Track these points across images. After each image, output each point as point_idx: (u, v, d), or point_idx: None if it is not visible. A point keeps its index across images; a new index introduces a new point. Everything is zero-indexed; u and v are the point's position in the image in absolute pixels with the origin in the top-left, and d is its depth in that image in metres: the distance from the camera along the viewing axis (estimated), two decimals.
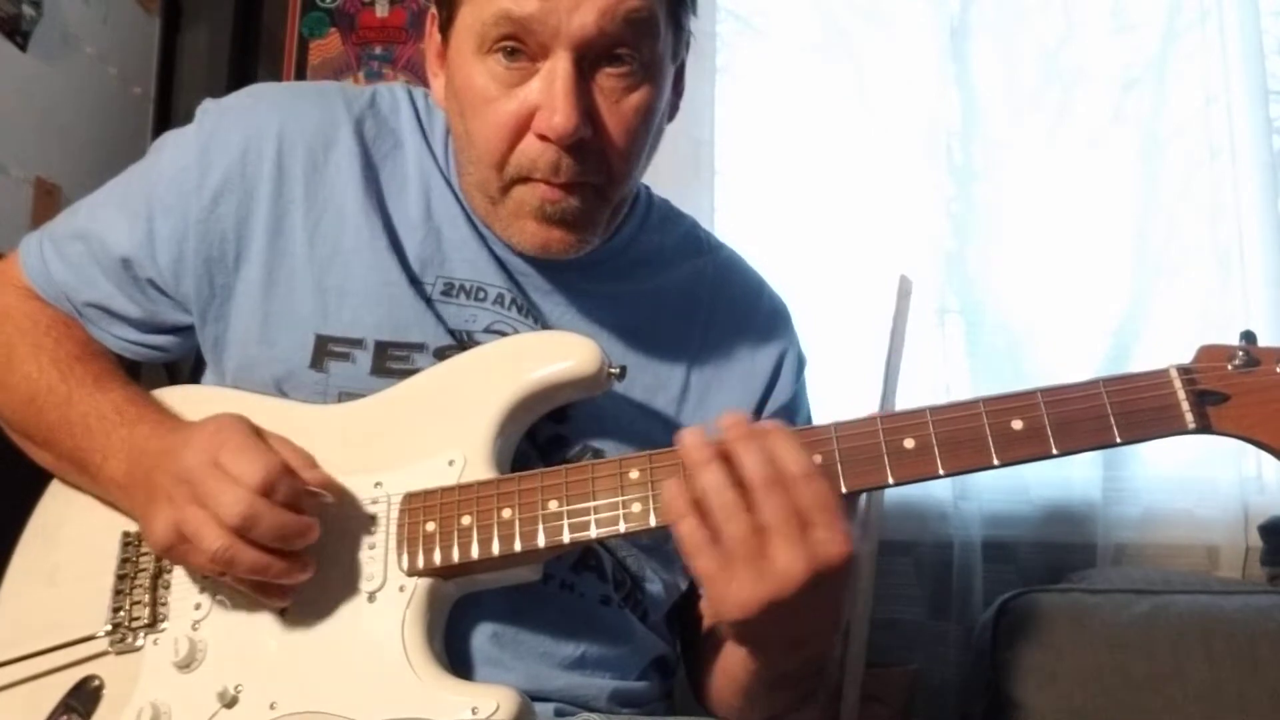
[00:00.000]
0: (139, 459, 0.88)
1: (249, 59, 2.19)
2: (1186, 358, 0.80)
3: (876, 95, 2.14)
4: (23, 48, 1.73)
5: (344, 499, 0.87)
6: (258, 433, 0.85)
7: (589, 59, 0.86)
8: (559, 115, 0.83)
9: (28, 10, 1.73)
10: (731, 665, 0.94)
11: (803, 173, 2.12)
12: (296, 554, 0.82)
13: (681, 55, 0.97)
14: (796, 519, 0.73)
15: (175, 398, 0.99)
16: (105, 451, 0.91)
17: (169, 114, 2.12)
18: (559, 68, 0.84)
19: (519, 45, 0.85)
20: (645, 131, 0.91)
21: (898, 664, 1.86)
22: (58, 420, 0.94)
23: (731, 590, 0.74)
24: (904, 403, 1.85)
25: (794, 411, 1.08)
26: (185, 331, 1.02)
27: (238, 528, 0.78)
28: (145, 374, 1.20)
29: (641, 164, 0.94)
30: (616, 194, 0.93)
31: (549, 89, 0.84)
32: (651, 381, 1.01)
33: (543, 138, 0.86)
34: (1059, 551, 1.91)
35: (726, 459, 0.75)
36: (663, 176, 0.99)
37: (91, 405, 0.93)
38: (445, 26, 0.92)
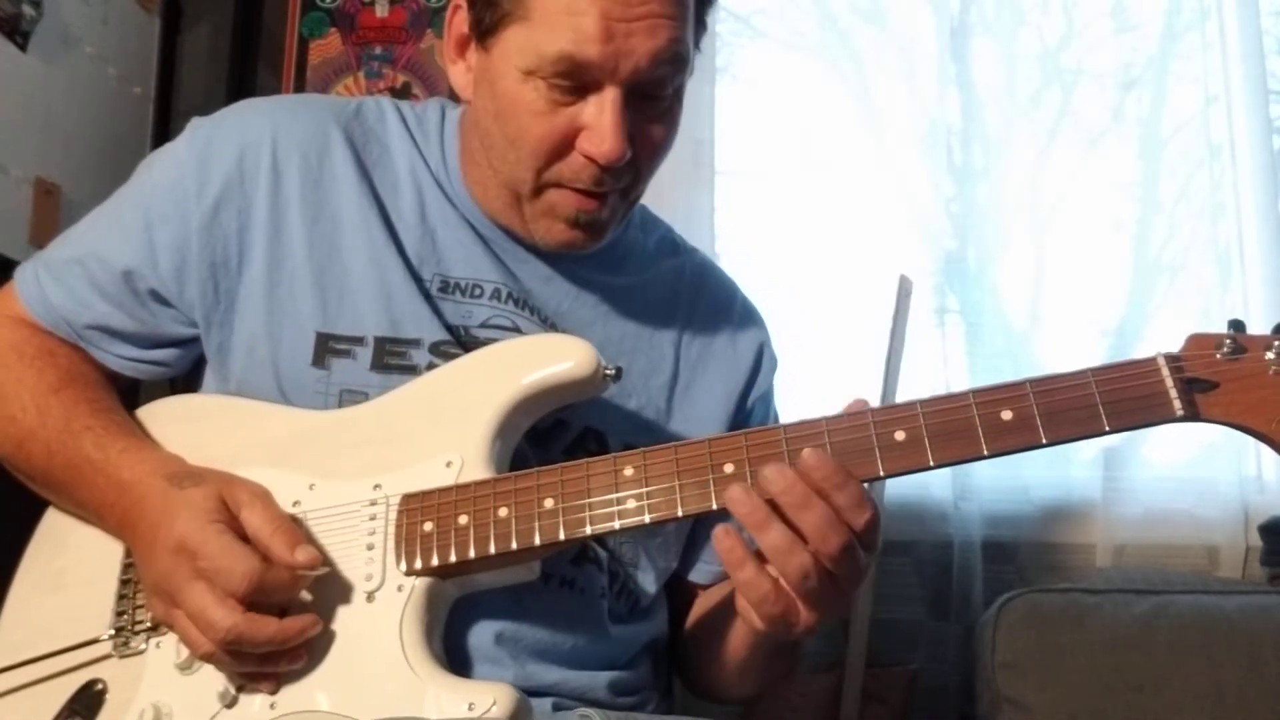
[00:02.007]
0: (125, 519, 0.88)
1: (249, 59, 2.19)
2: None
3: (876, 95, 2.14)
4: (23, 48, 1.73)
5: (343, 502, 0.88)
6: (233, 521, 0.83)
7: (637, 92, 0.90)
8: (608, 143, 0.89)
9: (28, 10, 1.73)
10: (735, 651, 0.99)
11: (803, 172, 2.12)
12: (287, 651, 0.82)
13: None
14: (860, 558, 0.79)
15: (175, 408, 1.00)
16: (97, 508, 0.91)
17: (169, 114, 2.12)
18: (609, 100, 0.89)
19: (572, 79, 0.89)
20: (668, 146, 0.98)
21: (898, 664, 1.86)
22: (44, 469, 0.95)
23: (803, 619, 0.80)
24: None
25: (769, 401, 1.13)
26: (186, 344, 1.03)
27: (223, 645, 0.79)
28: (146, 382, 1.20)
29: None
30: (636, 195, 1.00)
31: (599, 118, 0.89)
32: (645, 365, 1.05)
33: (589, 158, 0.90)
34: (1059, 551, 1.91)
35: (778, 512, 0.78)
36: (663, 176, 1.01)
37: (67, 456, 0.93)
38: (486, 31, 0.93)
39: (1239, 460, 1.87)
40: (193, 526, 0.81)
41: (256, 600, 0.79)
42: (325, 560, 0.84)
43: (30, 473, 0.97)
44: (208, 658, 0.82)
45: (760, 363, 1.12)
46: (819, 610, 0.79)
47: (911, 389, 1.90)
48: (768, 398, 1.13)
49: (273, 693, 0.83)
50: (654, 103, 0.93)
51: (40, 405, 0.95)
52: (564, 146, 0.92)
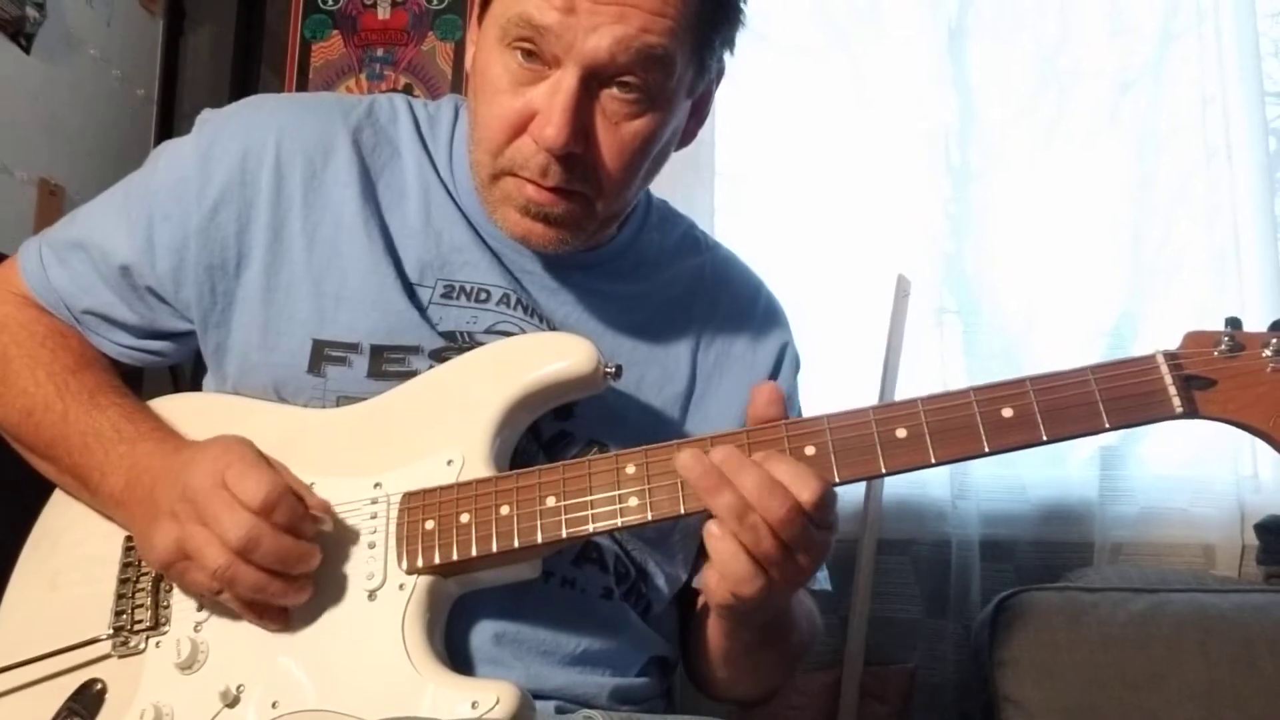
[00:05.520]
0: (139, 476, 0.89)
1: (251, 61, 2.20)
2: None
3: (875, 96, 2.14)
4: (27, 50, 1.74)
5: (344, 500, 0.88)
6: (261, 455, 0.86)
7: (597, 79, 0.87)
8: (551, 128, 0.86)
9: (31, 12, 1.74)
10: (716, 641, 0.97)
11: (802, 173, 2.12)
12: (295, 577, 0.83)
13: (701, 89, 0.97)
14: (812, 533, 0.78)
15: (178, 405, 1.00)
16: (104, 469, 0.92)
17: (172, 116, 2.13)
18: (564, 82, 0.86)
19: (534, 49, 0.87)
20: (641, 157, 0.93)
21: (896, 662, 1.87)
22: (55, 437, 0.95)
23: (760, 584, 0.78)
24: None
25: (790, 408, 1.09)
26: (183, 337, 1.03)
27: (240, 549, 0.80)
28: (149, 375, 1.21)
29: (636, 185, 0.96)
30: (605, 208, 0.94)
31: (550, 100, 0.86)
32: (658, 376, 1.02)
33: (537, 142, 0.88)
34: (1056, 550, 1.91)
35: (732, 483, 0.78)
36: (663, 176, 1.00)
37: (89, 423, 0.94)
38: (485, 3, 0.94)
39: (1235, 459, 1.88)
40: (234, 446, 0.85)
41: None
42: (324, 561, 0.85)
43: (34, 441, 0.97)
44: (219, 574, 0.81)
45: (780, 367, 1.09)
46: (777, 576, 0.79)
47: (910, 389, 1.90)
48: (788, 403, 1.09)
49: (278, 622, 0.85)
50: (622, 100, 0.88)
51: (58, 382, 0.96)
52: (518, 128, 0.89)
